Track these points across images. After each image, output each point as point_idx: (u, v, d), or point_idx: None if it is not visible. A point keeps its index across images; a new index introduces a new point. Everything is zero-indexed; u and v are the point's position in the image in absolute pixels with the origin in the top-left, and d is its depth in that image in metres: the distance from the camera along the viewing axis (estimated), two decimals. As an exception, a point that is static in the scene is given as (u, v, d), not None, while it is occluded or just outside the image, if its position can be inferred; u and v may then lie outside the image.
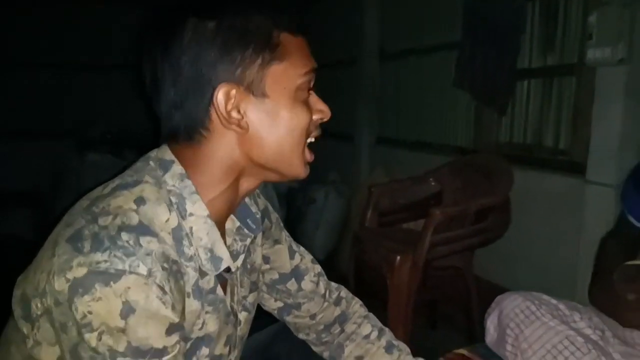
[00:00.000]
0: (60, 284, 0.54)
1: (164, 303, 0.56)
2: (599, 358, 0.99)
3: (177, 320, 0.59)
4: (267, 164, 0.68)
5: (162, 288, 0.56)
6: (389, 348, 0.97)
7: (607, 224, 1.86)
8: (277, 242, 0.89)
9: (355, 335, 0.97)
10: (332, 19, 3.92)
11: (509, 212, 2.03)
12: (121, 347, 0.54)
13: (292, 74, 0.66)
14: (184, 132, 0.65)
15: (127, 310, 0.54)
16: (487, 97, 2.46)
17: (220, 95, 0.63)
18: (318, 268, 0.95)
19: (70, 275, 0.54)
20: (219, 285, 0.69)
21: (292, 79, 0.66)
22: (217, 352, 0.71)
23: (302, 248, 0.95)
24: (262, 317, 0.95)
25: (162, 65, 0.64)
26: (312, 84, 0.69)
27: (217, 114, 0.63)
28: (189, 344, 0.66)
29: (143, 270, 0.55)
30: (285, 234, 0.92)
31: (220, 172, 0.67)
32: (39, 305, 0.57)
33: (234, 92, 0.63)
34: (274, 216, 0.89)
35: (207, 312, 0.67)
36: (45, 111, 4.15)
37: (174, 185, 0.64)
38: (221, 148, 0.66)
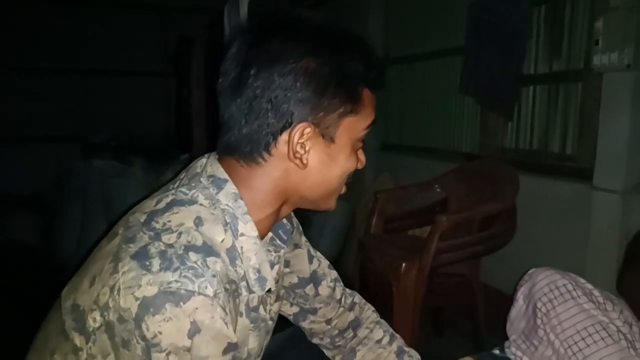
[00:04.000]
0: (127, 302, 0.55)
1: (226, 323, 0.58)
2: (628, 350, 0.99)
3: (235, 340, 0.60)
4: (311, 197, 0.71)
5: (224, 309, 0.58)
6: (399, 354, 0.99)
7: (615, 230, 1.85)
8: (297, 246, 0.90)
9: (368, 340, 0.99)
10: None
11: (515, 218, 2.01)
12: None
13: (360, 127, 0.71)
14: (246, 147, 0.67)
15: (194, 330, 0.55)
16: (493, 103, 2.46)
17: (298, 131, 0.65)
18: (334, 274, 0.97)
19: (139, 294, 0.55)
20: (262, 305, 0.71)
21: (358, 131, 0.71)
22: None
23: (318, 253, 0.96)
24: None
25: (256, 76, 0.64)
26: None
27: (288, 146, 0.66)
28: None
29: (210, 291, 0.56)
30: (304, 239, 0.93)
31: (269, 195, 0.69)
32: (97, 318, 0.57)
33: (309, 130, 0.66)
34: (295, 221, 0.90)
35: (250, 330, 0.70)
36: (51, 116, 4.18)
37: (227, 205, 0.65)
38: (275, 174, 0.68)
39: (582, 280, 1.10)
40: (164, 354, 0.55)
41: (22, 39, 4.04)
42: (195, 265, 0.57)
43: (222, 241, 0.62)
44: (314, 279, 0.92)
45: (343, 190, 0.75)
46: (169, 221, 0.60)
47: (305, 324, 0.96)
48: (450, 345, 2.13)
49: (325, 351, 1.01)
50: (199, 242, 0.59)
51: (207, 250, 0.59)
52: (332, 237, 3.24)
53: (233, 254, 0.64)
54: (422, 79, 3.11)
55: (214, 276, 0.57)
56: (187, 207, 0.63)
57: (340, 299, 0.97)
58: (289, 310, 0.95)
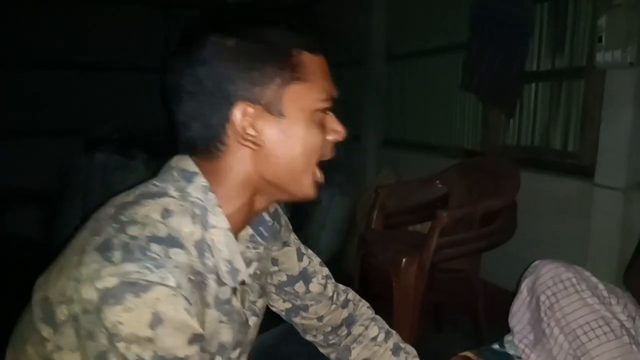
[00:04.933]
0: (89, 293, 0.55)
1: (189, 314, 0.57)
2: (630, 346, 0.98)
3: (200, 331, 0.59)
4: (278, 182, 0.68)
5: (187, 300, 0.57)
6: (396, 350, 0.98)
7: (616, 227, 1.85)
8: (285, 244, 0.90)
9: (363, 337, 0.98)
10: (338, 20, 3.91)
11: (515, 215, 2.02)
12: (147, 356, 0.55)
13: (312, 98, 0.67)
14: (201, 144, 0.67)
15: (156, 321, 0.55)
16: (494, 100, 2.45)
17: (237, 113, 0.64)
18: (326, 271, 0.96)
19: (100, 285, 0.55)
20: (234, 297, 0.70)
21: (311, 102, 0.67)
22: (228, 355, 0.72)
23: (310, 251, 0.95)
24: (269, 319, 0.95)
25: (184, 77, 0.65)
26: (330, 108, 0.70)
27: (233, 130, 0.65)
28: (207, 356, 0.66)
29: (172, 282, 0.56)
30: (293, 237, 0.92)
31: (236, 187, 0.68)
32: (64, 311, 0.57)
33: (250, 110, 0.64)
34: (283, 219, 0.90)
35: (222, 322, 0.68)
36: (54, 110, 4.18)
37: (197, 197, 0.65)
38: (237, 163, 0.67)
39: (587, 273, 1.09)
40: (124, 344, 0.54)
41: (24, 34, 4.03)
42: (157, 256, 0.56)
43: (190, 233, 0.62)
44: (304, 277, 0.92)
45: (320, 177, 0.71)
46: (136, 214, 0.60)
47: (297, 320, 0.96)
48: (450, 341, 2.13)
49: (319, 349, 1.00)
50: (163, 234, 0.59)
51: (171, 241, 0.59)
52: (333, 232, 3.25)
53: (202, 246, 0.63)
54: (423, 76, 3.11)
55: (176, 267, 0.57)
56: (156, 199, 0.62)
57: (332, 296, 0.96)
58: (281, 307, 0.94)
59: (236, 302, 0.70)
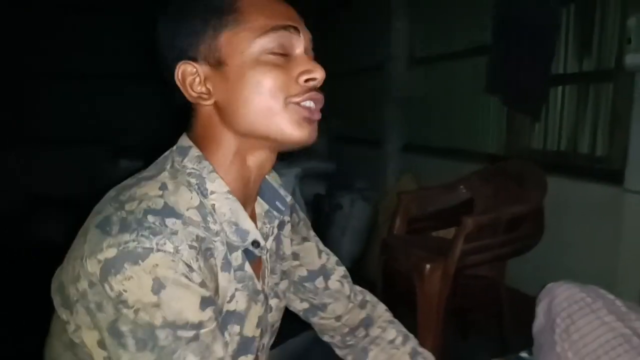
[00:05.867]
0: (92, 266, 0.57)
1: (191, 279, 0.58)
2: None
3: (208, 294, 0.60)
4: (253, 132, 0.66)
5: (189, 265, 0.58)
6: (413, 355, 0.96)
7: (647, 234, 1.80)
8: (305, 239, 0.91)
9: (380, 339, 0.96)
10: (360, 24, 3.91)
11: (542, 221, 1.98)
12: (158, 321, 0.56)
13: (248, 37, 0.63)
14: (182, 115, 0.69)
15: (158, 286, 0.56)
16: (520, 103, 2.41)
17: (178, 75, 0.65)
18: (343, 269, 0.96)
19: (101, 257, 0.56)
20: (247, 263, 0.70)
21: (249, 43, 0.63)
22: (249, 333, 0.71)
23: (327, 249, 0.95)
24: (298, 323, 0.95)
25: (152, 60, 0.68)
26: (287, 43, 0.66)
27: (185, 92, 0.66)
28: (220, 319, 0.66)
29: (169, 247, 0.57)
30: (312, 234, 0.93)
31: (223, 149, 0.68)
32: (75, 290, 0.59)
33: (189, 67, 0.65)
34: (302, 215, 0.91)
35: (237, 289, 0.68)
36: (82, 119, 4.29)
37: (193, 168, 0.66)
38: (210, 125, 0.68)
39: (602, 291, 1.07)
40: (132, 311, 0.56)
41: (54, 43, 4.15)
42: (153, 226, 0.57)
43: (188, 202, 0.63)
44: (324, 272, 0.92)
45: (306, 113, 0.66)
46: (135, 193, 0.62)
47: (314, 320, 0.95)
48: (475, 348, 2.10)
49: (336, 350, 0.98)
50: (159, 206, 0.60)
51: (167, 212, 0.59)
52: (354, 237, 3.24)
53: (203, 212, 0.64)
54: (446, 79, 3.08)
55: (173, 234, 0.58)
56: (154, 179, 0.64)
57: (350, 295, 0.95)
58: (299, 306, 0.94)
59: (249, 268, 0.70)
